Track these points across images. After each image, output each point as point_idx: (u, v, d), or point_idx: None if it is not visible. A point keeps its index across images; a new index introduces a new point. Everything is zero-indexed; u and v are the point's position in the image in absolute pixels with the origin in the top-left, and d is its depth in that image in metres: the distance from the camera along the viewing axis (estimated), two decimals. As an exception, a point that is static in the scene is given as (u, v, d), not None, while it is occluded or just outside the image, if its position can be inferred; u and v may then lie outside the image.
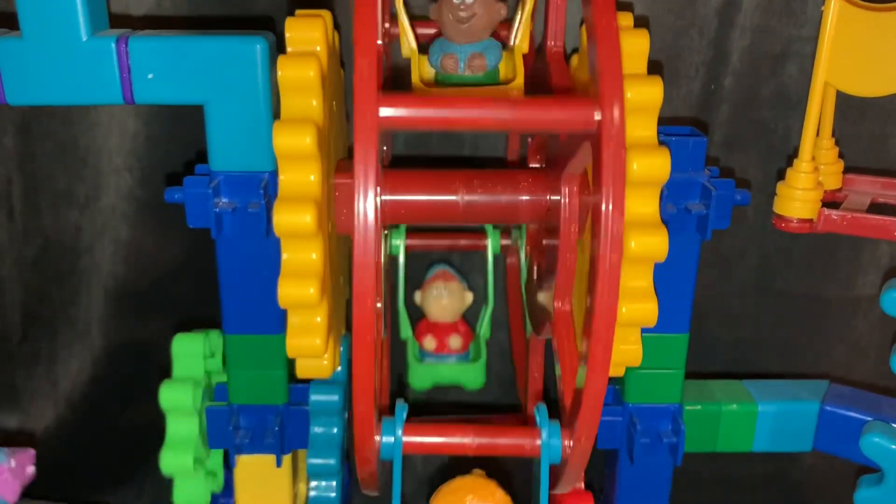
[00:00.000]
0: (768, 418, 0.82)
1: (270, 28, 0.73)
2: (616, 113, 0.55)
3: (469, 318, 0.98)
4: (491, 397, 1.08)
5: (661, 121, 0.86)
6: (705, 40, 0.92)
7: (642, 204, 0.64)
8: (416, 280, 0.98)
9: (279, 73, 0.62)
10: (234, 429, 0.79)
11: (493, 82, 0.75)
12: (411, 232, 0.91)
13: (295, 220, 0.61)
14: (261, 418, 0.79)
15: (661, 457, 0.80)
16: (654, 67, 0.68)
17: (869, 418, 0.80)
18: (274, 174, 0.70)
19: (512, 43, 0.79)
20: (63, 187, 1.02)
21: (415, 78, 0.76)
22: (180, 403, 0.78)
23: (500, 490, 0.68)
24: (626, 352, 0.67)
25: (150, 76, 0.69)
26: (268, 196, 0.71)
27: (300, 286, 0.62)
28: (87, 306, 1.07)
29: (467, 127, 0.62)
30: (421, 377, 0.93)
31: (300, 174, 0.62)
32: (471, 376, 0.94)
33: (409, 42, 0.79)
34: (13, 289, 1.08)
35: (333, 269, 0.72)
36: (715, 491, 1.11)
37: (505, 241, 0.94)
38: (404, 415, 0.63)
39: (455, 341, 0.94)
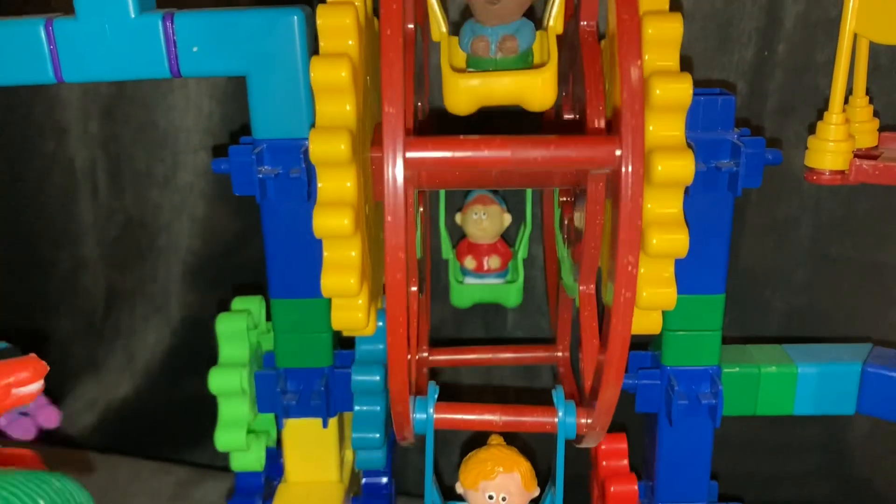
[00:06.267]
0: (809, 380, 0.81)
1: (307, 1, 0.76)
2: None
3: (508, 238, 1.00)
4: (528, 318, 1.11)
5: (713, 84, 0.87)
6: (757, 6, 0.92)
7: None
8: (456, 202, 1.00)
9: (311, 75, 0.64)
10: (281, 392, 0.81)
11: (525, 65, 0.74)
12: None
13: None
14: (307, 381, 0.82)
15: (701, 419, 0.80)
16: (685, 64, 0.68)
17: (913, 378, 0.79)
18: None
19: (546, 24, 0.78)
20: (143, 167, 1.08)
21: (444, 63, 0.74)
22: (229, 387, 0.81)
23: (523, 458, 0.73)
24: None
25: (194, 49, 0.72)
26: (308, 162, 0.73)
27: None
28: (165, 281, 1.13)
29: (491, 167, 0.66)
30: (462, 296, 0.99)
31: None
32: (510, 295, 0.99)
33: (439, 26, 0.79)
34: (97, 267, 1.14)
35: (375, 249, 0.74)
36: (762, 456, 1.10)
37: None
38: (436, 395, 0.71)
39: (494, 261, 0.98)
